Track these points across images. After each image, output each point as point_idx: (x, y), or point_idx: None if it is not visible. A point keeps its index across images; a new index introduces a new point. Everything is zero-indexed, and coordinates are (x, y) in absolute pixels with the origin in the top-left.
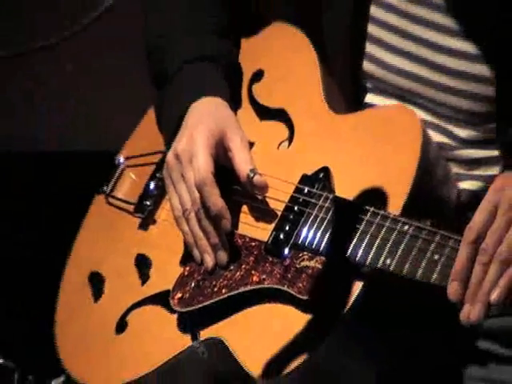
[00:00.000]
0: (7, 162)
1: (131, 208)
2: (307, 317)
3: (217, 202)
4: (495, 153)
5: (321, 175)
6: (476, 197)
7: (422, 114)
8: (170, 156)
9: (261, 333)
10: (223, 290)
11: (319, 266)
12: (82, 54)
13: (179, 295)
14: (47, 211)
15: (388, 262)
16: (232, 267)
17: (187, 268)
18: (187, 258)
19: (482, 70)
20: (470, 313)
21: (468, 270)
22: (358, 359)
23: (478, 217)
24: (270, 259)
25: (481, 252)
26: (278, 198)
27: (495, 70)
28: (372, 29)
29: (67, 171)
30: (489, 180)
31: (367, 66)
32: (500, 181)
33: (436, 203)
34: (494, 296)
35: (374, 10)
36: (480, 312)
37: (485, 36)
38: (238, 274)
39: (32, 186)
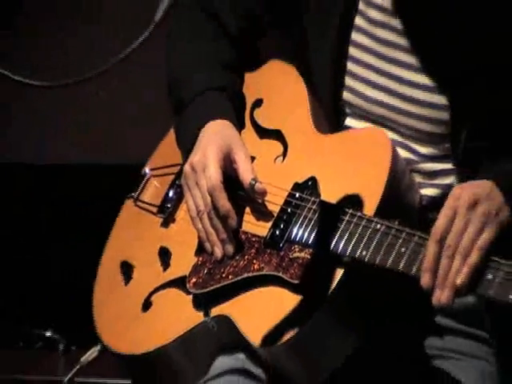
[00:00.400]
0: (40, 174)
1: (155, 210)
2: (298, 297)
3: (225, 204)
4: (450, 166)
5: (309, 183)
6: (435, 201)
7: (391, 135)
8: (186, 167)
9: (260, 310)
10: (230, 276)
11: (308, 257)
12: (113, 82)
13: (194, 280)
14: (81, 214)
15: (364, 253)
16: (237, 257)
17: (200, 258)
18: (200, 250)
19: (438, 98)
20: (441, 297)
21: (436, 263)
22: (339, 333)
23: (442, 220)
24: (268, 251)
25: (446, 248)
26: (274, 202)
27: (449, 98)
28: (351, 66)
29: (92, 182)
30: (445, 188)
31: (346, 96)
32: (457, 190)
33: (403, 206)
34: (459, 281)
35: (352, 51)
36: (449, 296)
37: (440, 71)
38: (242, 263)
39: (69, 194)
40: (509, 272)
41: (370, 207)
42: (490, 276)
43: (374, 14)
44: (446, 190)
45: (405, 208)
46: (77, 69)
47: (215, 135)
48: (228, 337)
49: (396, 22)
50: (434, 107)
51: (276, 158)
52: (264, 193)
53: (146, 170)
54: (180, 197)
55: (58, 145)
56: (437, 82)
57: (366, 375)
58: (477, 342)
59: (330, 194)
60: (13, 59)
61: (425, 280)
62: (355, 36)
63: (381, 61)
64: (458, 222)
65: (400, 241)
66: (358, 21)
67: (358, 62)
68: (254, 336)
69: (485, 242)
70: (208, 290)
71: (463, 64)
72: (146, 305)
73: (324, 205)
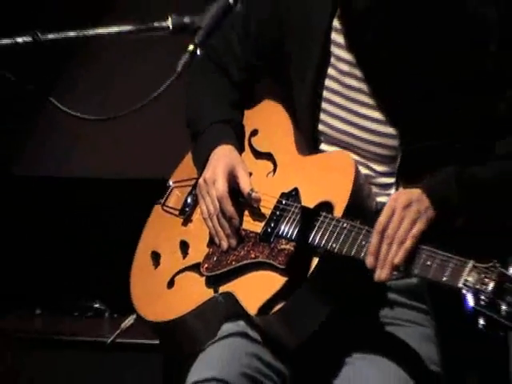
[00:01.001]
0: (74, 187)
1: (177, 212)
2: (284, 279)
3: (229, 209)
4: None
5: (293, 193)
6: None
7: (354, 156)
8: (200, 181)
9: (256, 288)
10: (233, 262)
11: (292, 248)
12: (145, 116)
13: (206, 265)
14: (120, 216)
15: (334, 245)
16: (238, 248)
17: (211, 249)
18: (211, 242)
19: (389, 130)
20: (381, 274)
21: (378, 249)
22: (315, 305)
23: (383, 217)
24: (262, 244)
25: (386, 237)
26: (266, 206)
27: (397, 130)
28: (324, 105)
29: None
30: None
31: (321, 127)
32: (395, 195)
33: (363, 210)
34: (396, 261)
35: (326, 94)
36: (387, 273)
37: (391, 110)
38: (242, 252)
39: (108, 199)
40: (443, 260)
41: (338, 211)
42: (428, 262)
43: (343, 66)
44: None
45: (364, 211)
46: (116, 105)
47: (222, 157)
48: (232, 308)
49: (359, 73)
50: (386, 136)
51: (268, 174)
52: (259, 200)
53: (170, 182)
54: (196, 203)
55: (96, 162)
56: (388, 117)
57: (336, 336)
58: (419, 313)
59: (309, 200)
60: (63, 92)
61: (369, 261)
62: (328, 83)
63: (347, 101)
64: (395, 218)
65: (361, 236)
66: (330, 71)
67: (330, 102)
68: (252, 308)
69: (416, 232)
70: (217, 273)
71: (409, 105)
72: (170, 284)
73: (304, 209)
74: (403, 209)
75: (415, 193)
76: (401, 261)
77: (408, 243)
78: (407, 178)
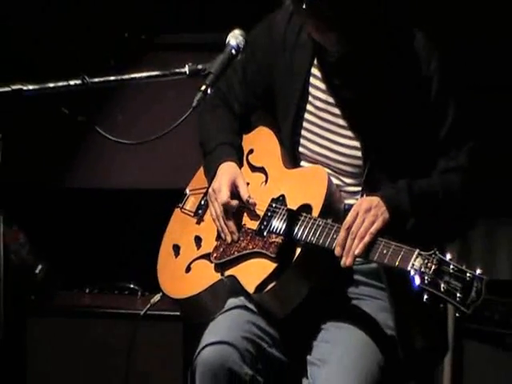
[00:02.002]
0: (115, 195)
1: (192, 214)
2: (275, 264)
3: (232, 211)
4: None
5: (280, 198)
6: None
7: (328, 171)
8: (210, 189)
9: (253, 272)
10: (235, 253)
11: (280, 241)
12: (168, 142)
13: (215, 255)
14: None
15: (312, 238)
16: (239, 241)
17: (218, 242)
18: (219, 237)
19: (356, 153)
20: (346, 261)
21: (344, 242)
22: (299, 284)
23: (349, 218)
24: (257, 238)
25: (351, 233)
26: (260, 209)
27: (362, 152)
28: (304, 133)
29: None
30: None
31: (301, 149)
32: (359, 201)
33: (334, 211)
34: (357, 252)
35: (305, 124)
36: (350, 261)
37: (358, 138)
38: (242, 244)
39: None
40: (395, 249)
41: (316, 212)
42: (384, 251)
43: (319, 103)
44: None
45: (336, 212)
46: (146, 132)
47: (226, 171)
48: (235, 287)
49: (333, 110)
50: (354, 158)
51: (261, 184)
52: (254, 204)
53: (187, 190)
54: (207, 207)
55: (131, 176)
56: (354, 144)
57: (314, 308)
58: (377, 290)
59: (293, 204)
60: (105, 122)
61: (337, 251)
62: (306, 116)
63: (322, 131)
64: (358, 219)
65: (332, 231)
66: (309, 107)
67: (308, 130)
68: (250, 287)
69: (374, 230)
70: (223, 260)
71: (371, 135)
72: (188, 269)
73: (289, 210)
74: (365, 212)
75: (375, 200)
76: (360, 252)
77: (367, 238)
78: (370, 188)
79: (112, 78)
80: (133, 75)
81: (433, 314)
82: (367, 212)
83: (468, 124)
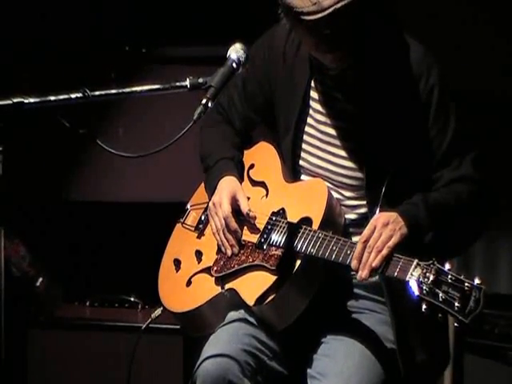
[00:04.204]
0: (117, 208)
1: (193, 228)
2: (275, 277)
3: (233, 225)
4: (362, 202)
5: (281, 211)
6: (353, 223)
7: (328, 184)
8: (210, 204)
9: (253, 284)
10: (235, 266)
11: (280, 253)
12: (169, 153)
13: (215, 268)
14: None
15: (312, 250)
16: (239, 255)
17: (219, 256)
18: (219, 251)
19: (355, 166)
20: (362, 274)
21: (360, 255)
22: (298, 296)
23: (366, 231)
24: (258, 250)
25: (368, 247)
26: (260, 222)
27: (363, 166)
28: (304, 146)
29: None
30: (360, 215)
31: (301, 163)
32: (377, 216)
33: (334, 224)
34: (374, 264)
35: (306, 137)
36: (367, 274)
37: (357, 150)
38: (243, 258)
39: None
40: (404, 262)
41: (316, 224)
42: (396, 264)
43: (319, 116)
44: (360, 216)
45: (336, 225)
46: (146, 145)
47: (227, 185)
48: (235, 300)
49: (331, 122)
50: (354, 170)
51: (262, 197)
52: (254, 217)
53: (188, 206)
54: (207, 221)
55: (129, 189)
56: (354, 156)
57: (314, 321)
58: (377, 303)
59: (293, 217)
60: (106, 135)
61: (354, 264)
62: (307, 129)
63: (322, 144)
64: (376, 233)
65: (332, 243)
66: (309, 120)
67: (308, 144)
68: (250, 300)
69: (392, 243)
70: (223, 274)
71: (371, 147)
72: (188, 283)
73: (289, 223)
74: (382, 226)
75: (393, 215)
76: (378, 264)
77: (384, 251)
78: (372, 200)
79: (113, 91)
80: (134, 88)
81: (433, 328)
82: (385, 226)
83: (469, 133)
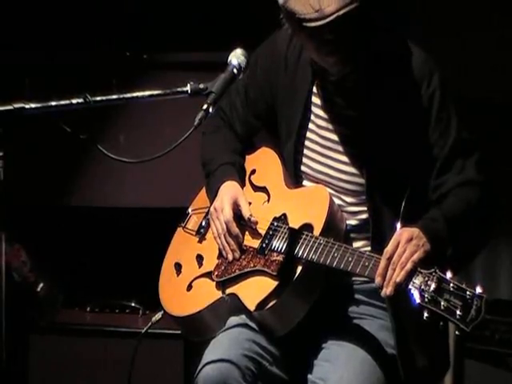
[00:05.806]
0: (118, 213)
1: (194, 233)
2: (276, 282)
3: (234, 230)
4: (363, 208)
5: (282, 217)
6: (354, 229)
7: (329, 190)
8: (212, 208)
9: (254, 290)
10: (237, 271)
11: (281, 259)
12: (169, 159)
13: (216, 273)
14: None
15: (313, 256)
16: (241, 260)
17: (220, 260)
18: (220, 255)
19: (356, 171)
20: (387, 291)
21: (384, 271)
22: (299, 302)
23: (390, 247)
24: (259, 256)
25: (392, 263)
26: (262, 228)
27: (363, 171)
28: (306, 152)
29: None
30: (361, 221)
31: (303, 168)
32: (400, 231)
33: (336, 230)
34: (398, 280)
35: (307, 143)
36: (391, 290)
37: (357, 156)
38: (244, 263)
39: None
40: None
41: (317, 230)
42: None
43: (320, 122)
44: (362, 222)
45: (337, 231)
46: (147, 151)
47: (228, 190)
48: (236, 305)
49: (332, 127)
50: (355, 176)
51: (263, 203)
52: (256, 222)
53: (189, 210)
54: (208, 225)
55: (131, 194)
56: (356, 162)
57: (315, 326)
58: (378, 309)
59: (294, 223)
60: (107, 140)
61: (377, 281)
62: (308, 134)
63: (324, 149)
64: (399, 248)
65: (333, 249)
66: (311, 126)
67: (310, 149)
68: (251, 305)
69: (416, 258)
70: (224, 278)
71: (371, 152)
72: (189, 287)
73: (291, 229)
74: (406, 242)
75: (416, 231)
76: (402, 279)
77: (408, 266)
78: (374, 206)
79: (114, 96)
80: (135, 94)
81: (434, 333)
82: (408, 242)
83: (471, 136)
